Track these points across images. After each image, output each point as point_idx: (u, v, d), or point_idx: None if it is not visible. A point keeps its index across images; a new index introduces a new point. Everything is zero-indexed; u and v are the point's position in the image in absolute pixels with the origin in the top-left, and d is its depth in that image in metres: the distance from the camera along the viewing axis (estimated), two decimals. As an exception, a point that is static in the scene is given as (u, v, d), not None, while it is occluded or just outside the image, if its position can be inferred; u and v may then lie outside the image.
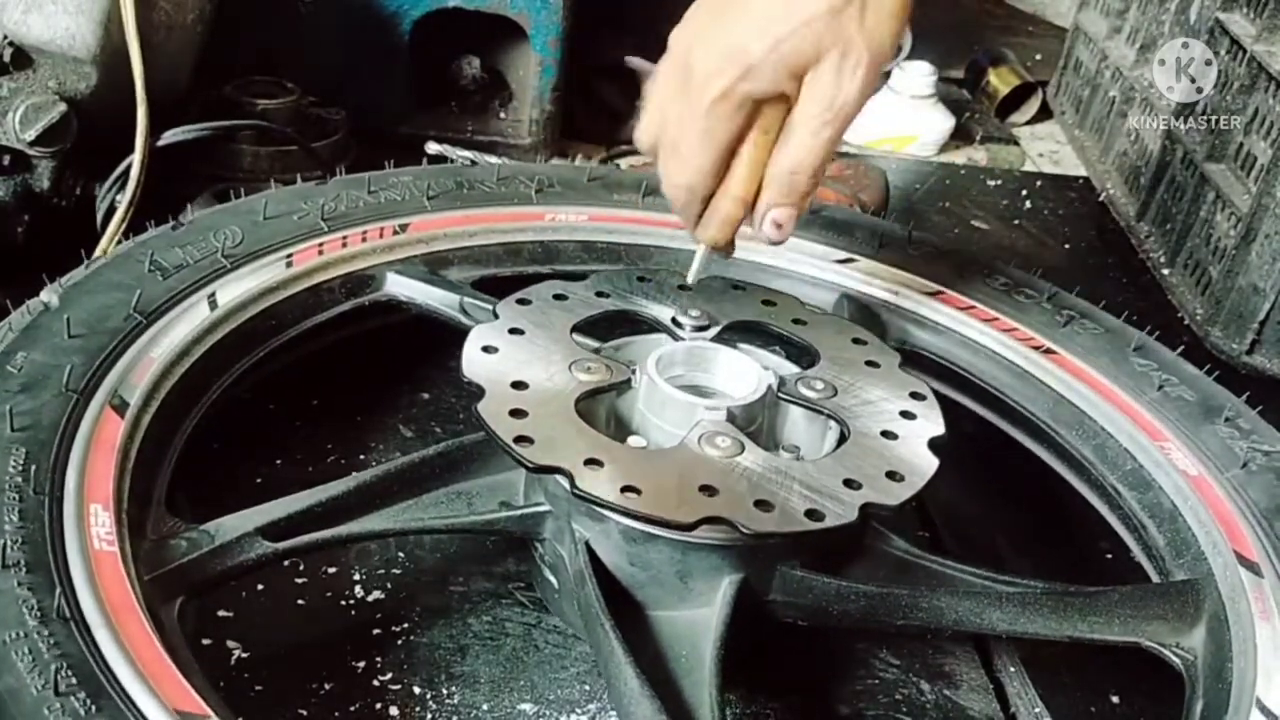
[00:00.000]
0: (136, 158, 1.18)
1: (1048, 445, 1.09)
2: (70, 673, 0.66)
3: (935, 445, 0.90)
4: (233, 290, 1.00)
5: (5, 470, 0.77)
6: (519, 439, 0.84)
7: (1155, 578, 0.97)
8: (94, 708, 0.64)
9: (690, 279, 0.99)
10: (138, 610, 0.72)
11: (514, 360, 0.92)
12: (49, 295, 0.93)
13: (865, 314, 1.14)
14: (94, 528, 0.76)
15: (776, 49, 0.83)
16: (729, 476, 0.84)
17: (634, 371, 0.94)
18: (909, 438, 0.91)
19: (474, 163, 1.40)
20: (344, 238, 1.09)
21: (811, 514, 0.82)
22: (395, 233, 1.11)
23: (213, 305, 0.97)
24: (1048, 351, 1.11)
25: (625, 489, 0.81)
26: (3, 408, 0.80)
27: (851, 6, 0.83)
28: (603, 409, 0.94)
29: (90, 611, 0.70)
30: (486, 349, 0.93)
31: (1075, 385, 1.08)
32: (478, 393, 0.88)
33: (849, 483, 0.85)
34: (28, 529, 0.74)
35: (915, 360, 1.11)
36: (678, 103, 0.87)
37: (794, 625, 0.91)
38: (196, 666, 0.73)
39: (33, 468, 0.78)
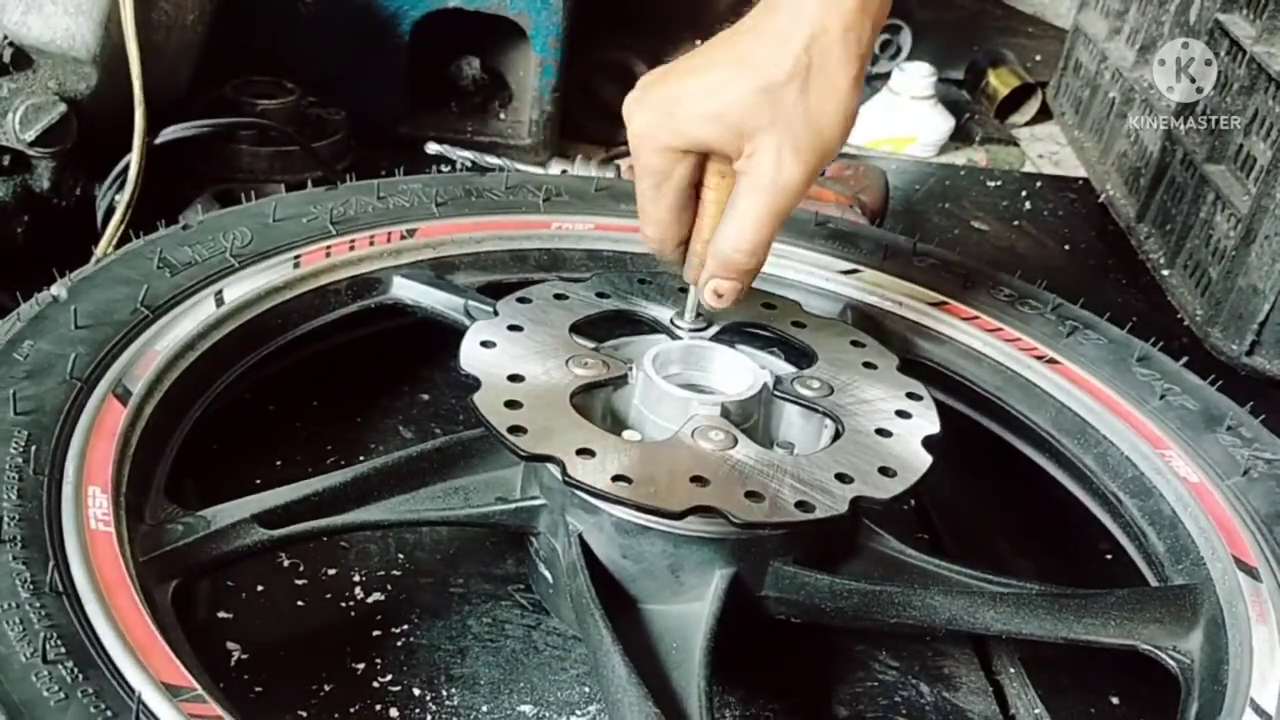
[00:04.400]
0: (135, 157, 1.18)
1: (1050, 454, 1.09)
2: (59, 642, 0.67)
3: (930, 443, 0.90)
4: (240, 289, 1.01)
5: (7, 451, 0.78)
6: (513, 429, 0.84)
7: (1155, 584, 0.96)
8: (81, 675, 0.65)
9: (686, 318, 1.00)
10: (129, 587, 0.73)
11: (511, 355, 0.93)
12: (58, 288, 0.94)
13: (869, 324, 1.14)
14: (91, 508, 0.77)
15: (712, 112, 0.84)
16: (721, 468, 0.84)
17: (631, 368, 0.94)
18: (903, 435, 0.91)
19: (475, 163, 1.41)
20: (352, 241, 1.10)
21: (802, 505, 0.82)
22: (403, 237, 1.13)
23: (219, 302, 0.99)
24: (1051, 361, 1.11)
25: (616, 478, 0.82)
26: (6, 392, 0.82)
27: (791, 85, 0.82)
28: (599, 404, 0.94)
29: (82, 586, 0.71)
30: (485, 344, 0.94)
31: (1078, 395, 1.08)
32: (474, 385, 0.89)
33: (841, 476, 0.85)
34: (25, 507, 0.75)
35: (919, 370, 1.11)
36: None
37: (793, 626, 0.91)
38: (187, 645, 0.73)
39: (33, 449, 0.79)
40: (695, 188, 0.89)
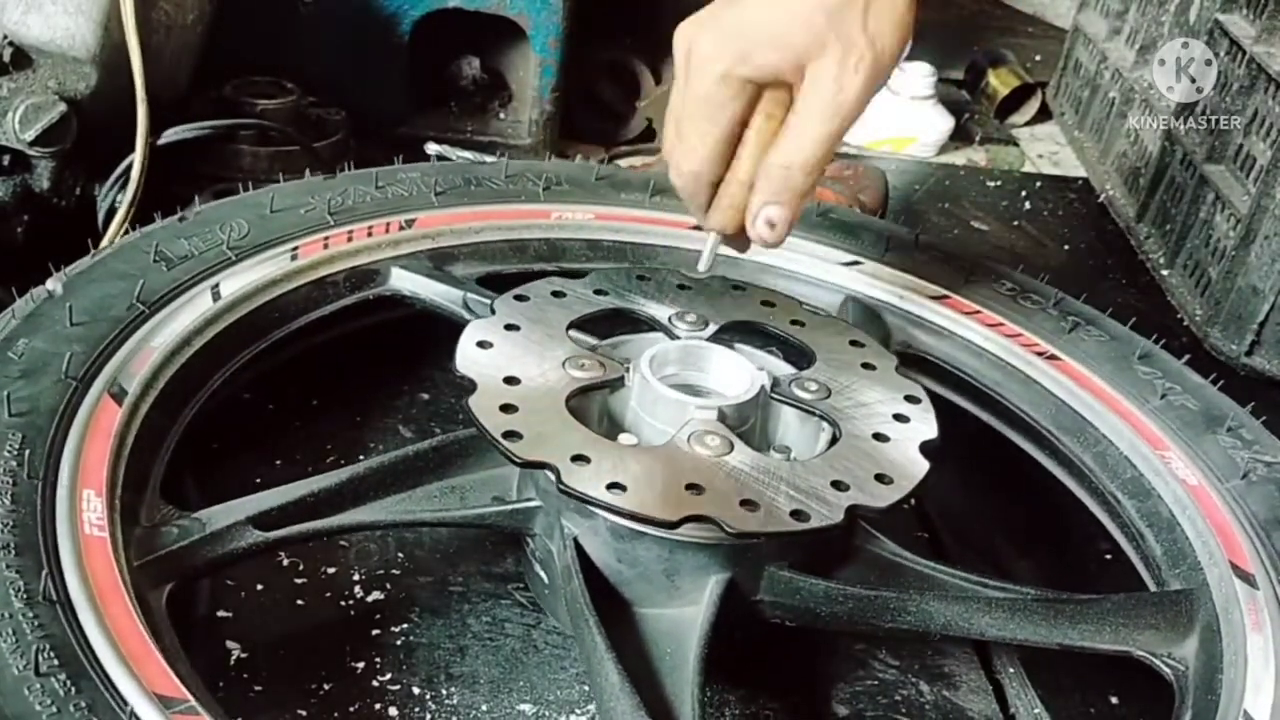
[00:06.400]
0: (137, 157, 1.18)
1: (1049, 451, 1.09)
2: (52, 654, 0.66)
3: (927, 449, 0.90)
4: (237, 282, 1.00)
5: (1, 454, 0.78)
6: (508, 434, 0.84)
7: (1152, 586, 0.96)
8: (73, 689, 0.65)
9: (701, 266, 0.96)
10: (124, 594, 0.72)
11: (508, 356, 0.92)
12: (53, 284, 0.94)
13: (869, 317, 1.14)
14: (86, 513, 0.77)
15: (777, 36, 0.84)
16: (716, 475, 0.84)
17: (627, 369, 0.94)
18: (901, 440, 0.91)
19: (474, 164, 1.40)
20: (350, 232, 1.09)
21: (797, 514, 0.82)
22: (401, 228, 1.12)
23: (216, 296, 0.98)
24: (1051, 358, 1.11)
25: (611, 486, 0.81)
26: (1, 393, 0.81)
27: (854, 7, 0.84)
28: (595, 406, 0.94)
29: (76, 594, 0.71)
30: (481, 344, 0.93)
31: (1078, 392, 1.08)
32: (470, 387, 0.89)
33: (837, 484, 0.85)
34: (19, 512, 0.74)
35: (918, 364, 1.11)
36: (681, 91, 0.89)
37: (791, 627, 0.91)
38: (182, 652, 0.74)
39: (28, 452, 0.78)
40: (741, 126, 0.88)
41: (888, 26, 0.85)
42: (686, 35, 0.88)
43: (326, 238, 1.08)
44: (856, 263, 1.19)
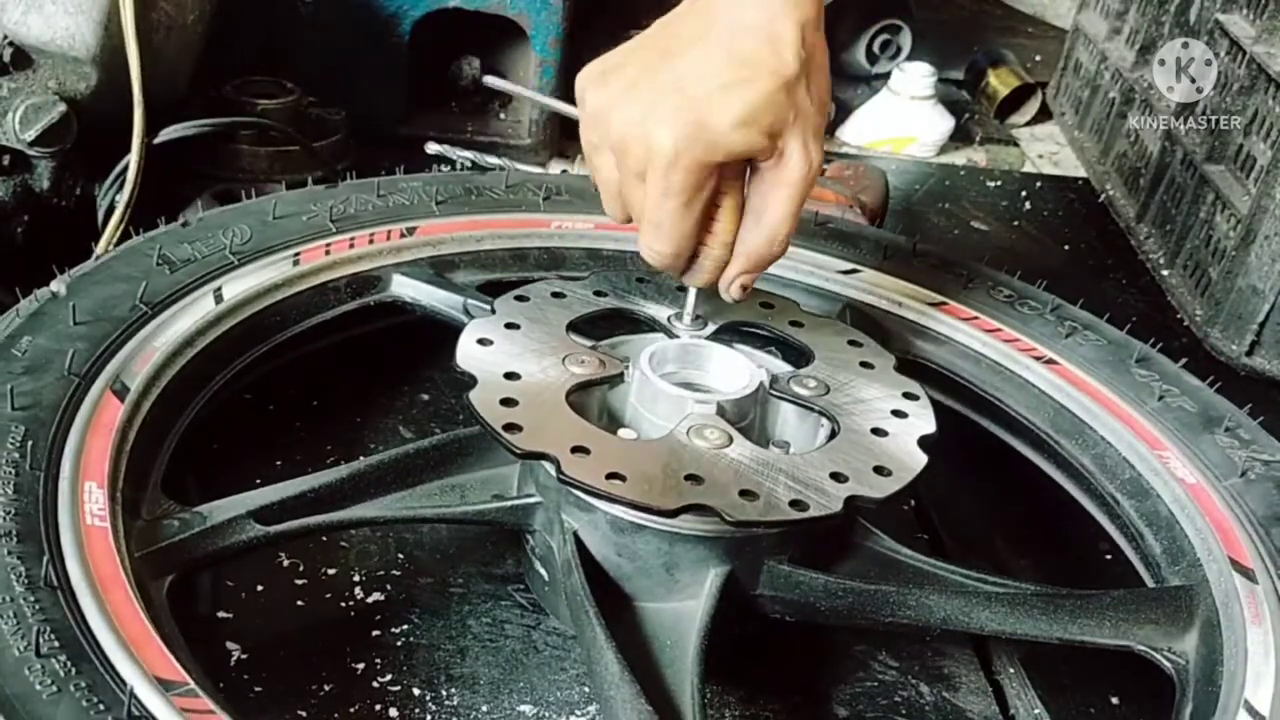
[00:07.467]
0: (133, 157, 1.19)
1: (1048, 455, 1.09)
2: (53, 636, 0.67)
3: (925, 443, 0.90)
4: (238, 286, 1.01)
5: (4, 446, 0.78)
6: (508, 426, 0.84)
7: (1151, 585, 0.96)
8: (73, 669, 0.65)
9: (687, 318, 0.99)
10: (124, 582, 0.73)
11: (508, 353, 0.93)
12: (57, 285, 0.94)
13: (868, 325, 1.14)
14: (87, 504, 0.77)
15: (744, 117, 0.82)
16: (715, 466, 0.84)
17: (627, 366, 0.94)
18: (899, 435, 0.91)
19: (474, 163, 1.41)
20: (351, 239, 1.10)
21: (796, 504, 0.82)
22: (403, 235, 1.13)
23: (218, 299, 0.99)
24: (1049, 362, 1.11)
25: (611, 475, 0.81)
26: (4, 387, 0.82)
27: (802, 78, 0.84)
28: (595, 402, 0.94)
29: (77, 581, 0.71)
30: (481, 341, 0.94)
31: (1076, 395, 1.08)
32: (470, 382, 0.89)
33: (835, 475, 0.85)
34: (21, 502, 0.75)
35: (918, 370, 1.11)
36: (644, 178, 0.85)
37: (793, 626, 0.91)
38: (181, 639, 0.74)
39: (30, 444, 0.79)
40: (713, 200, 0.88)
41: (824, 85, 0.86)
42: (633, 125, 0.83)
43: (328, 244, 1.09)
44: (855, 271, 1.20)
